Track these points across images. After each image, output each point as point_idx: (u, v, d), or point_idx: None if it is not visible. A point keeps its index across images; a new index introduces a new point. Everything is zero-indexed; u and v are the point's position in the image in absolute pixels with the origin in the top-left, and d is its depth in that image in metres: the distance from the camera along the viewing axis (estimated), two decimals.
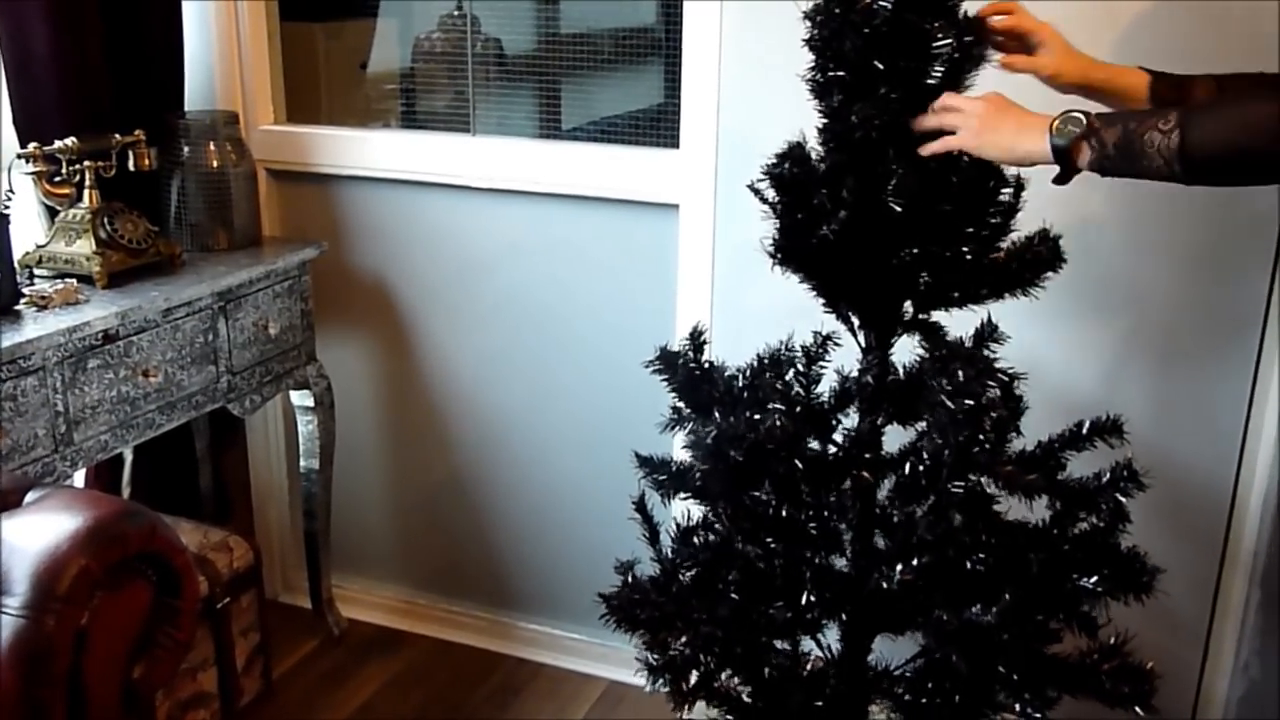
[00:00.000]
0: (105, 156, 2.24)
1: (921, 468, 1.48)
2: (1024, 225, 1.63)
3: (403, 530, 2.87)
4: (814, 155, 1.63)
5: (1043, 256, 1.61)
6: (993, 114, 1.50)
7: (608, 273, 2.50)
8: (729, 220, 2.30)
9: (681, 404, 1.77)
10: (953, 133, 1.53)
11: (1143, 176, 1.43)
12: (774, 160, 1.62)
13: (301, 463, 2.68)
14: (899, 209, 1.52)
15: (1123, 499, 1.54)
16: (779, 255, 1.63)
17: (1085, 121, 1.44)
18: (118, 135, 2.25)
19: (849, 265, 1.58)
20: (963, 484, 1.42)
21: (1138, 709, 1.48)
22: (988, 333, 1.67)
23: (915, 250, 1.57)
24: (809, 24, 1.57)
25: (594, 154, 2.49)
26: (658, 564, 1.77)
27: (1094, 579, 1.48)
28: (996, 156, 1.53)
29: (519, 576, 2.77)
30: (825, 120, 1.59)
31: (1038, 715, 1.45)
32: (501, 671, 2.73)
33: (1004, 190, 1.60)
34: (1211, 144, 1.37)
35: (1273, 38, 1.86)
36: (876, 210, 1.54)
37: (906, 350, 1.70)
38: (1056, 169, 1.47)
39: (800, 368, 1.75)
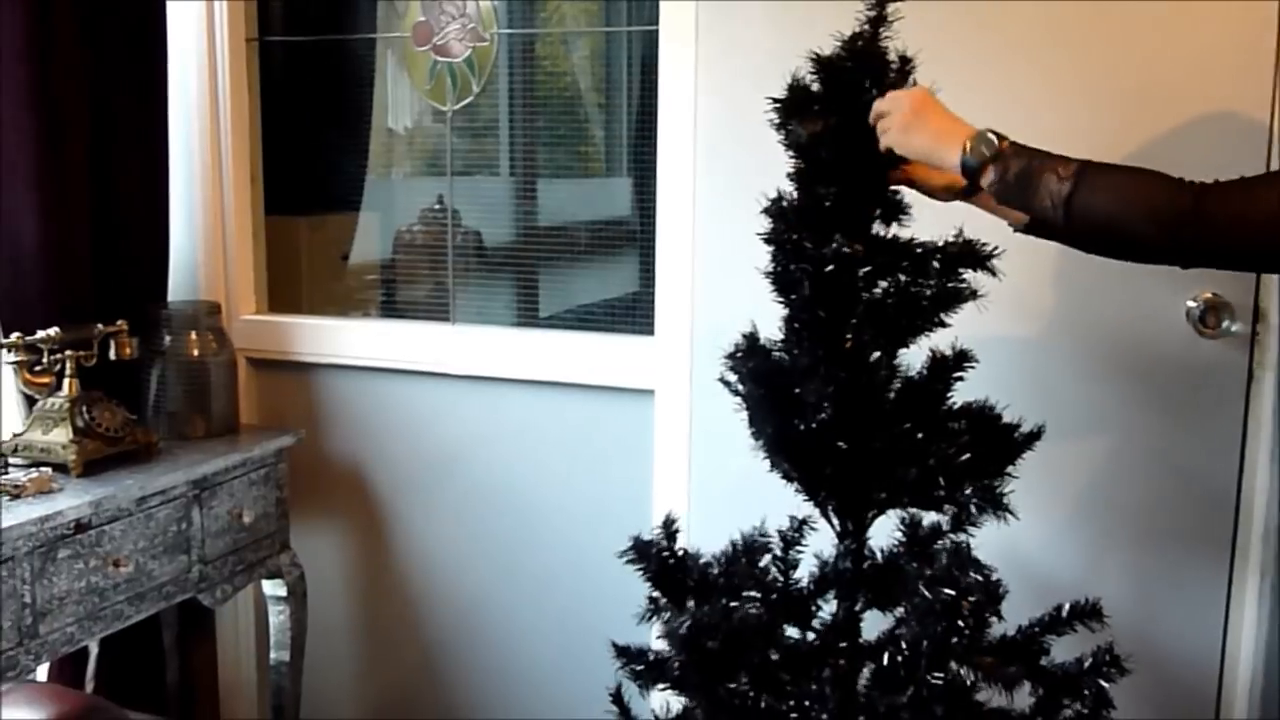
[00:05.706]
0: (87, 346, 2.25)
1: (900, 658, 1.46)
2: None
3: None
4: (771, 344, 1.64)
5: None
6: (917, 113, 1.51)
7: (585, 458, 2.51)
8: (705, 405, 2.32)
9: (657, 594, 1.75)
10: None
11: (1031, 212, 1.44)
12: (738, 354, 1.63)
13: (271, 655, 2.61)
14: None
15: (1105, 684, 1.52)
16: (769, 448, 1.63)
17: (996, 145, 1.45)
18: (100, 325, 2.28)
19: (828, 457, 1.59)
20: (942, 675, 1.40)
21: None
22: (965, 516, 1.67)
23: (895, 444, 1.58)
24: (769, 219, 1.60)
25: (571, 341, 2.53)
26: None
27: None
28: (915, 157, 1.55)
29: None
30: (790, 311, 1.61)
31: None
32: None
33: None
34: (1097, 206, 1.39)
35: None
36: (857, 405, 1.56)
37: (884, 533, 1.70)
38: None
39: (777, 553, 1.75)
